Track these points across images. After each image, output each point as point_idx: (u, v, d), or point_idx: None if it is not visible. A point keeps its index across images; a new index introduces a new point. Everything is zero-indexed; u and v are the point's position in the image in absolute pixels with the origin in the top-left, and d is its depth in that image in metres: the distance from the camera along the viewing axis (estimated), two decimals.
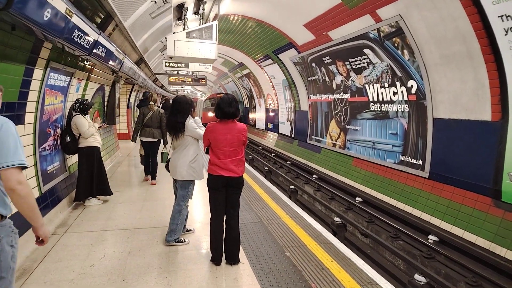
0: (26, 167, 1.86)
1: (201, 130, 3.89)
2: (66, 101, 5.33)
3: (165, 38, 9.97)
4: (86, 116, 5.27)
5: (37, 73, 4.00)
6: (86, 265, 3.40)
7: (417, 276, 4.77)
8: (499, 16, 4.67)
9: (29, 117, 3.99)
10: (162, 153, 5.63)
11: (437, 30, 5.77)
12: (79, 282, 3.08)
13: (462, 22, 5.21)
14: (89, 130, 5.16)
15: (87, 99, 5.42)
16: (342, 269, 3.48)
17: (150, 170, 6.80)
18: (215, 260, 3.49)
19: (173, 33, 6.53)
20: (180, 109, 3.91)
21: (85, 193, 5.27)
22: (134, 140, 7.10)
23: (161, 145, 6.88)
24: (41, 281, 3.08)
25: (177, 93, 28.58)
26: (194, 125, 3.92)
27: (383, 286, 3.17)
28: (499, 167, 5.24)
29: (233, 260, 3.49)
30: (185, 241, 4.02)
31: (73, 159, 5.73)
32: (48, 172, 4.65)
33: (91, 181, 5.29)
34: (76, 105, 5.22)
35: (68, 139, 5.11)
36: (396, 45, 6.99)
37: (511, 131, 5.05)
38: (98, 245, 3.87)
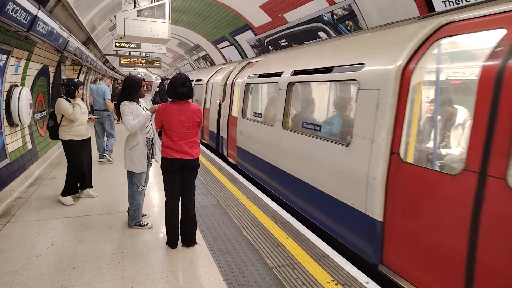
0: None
1: (129, 117, 3.52)
2: (4, 82, 4.89)
3: (115, 16, 9.41)
4: (77, 99, 4.68)
5: None
6: (32, 255, 3.22)
7: None
8: (442, 2, 4.92)
9: None
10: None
11: (389, 14, 5.96)
12: (24, 273, 2.91)
13: (410, 7, 5.42)
14: (74, 112, 4.51)
15: (72, 79, 4.88)
16: (297, 245, 3.59)
17: None
18: (171, 243, 3.46)
19: (123, 11, 6.20)
20: (124, 88, 3.67)
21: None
22: None
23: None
24: None
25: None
26: (126, 110, 3.56)
27: (335, 259, 3.32)
28: None
29: (190, 242, 3.48)
30: (147, 224, 3.93)
31: (14, 144, 5.33)
32: None
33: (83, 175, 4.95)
34: (62, 87, 4.71)
35: (52, 123, 4.64)
36: (349, 28, 7.14)
37: None
38: (46, 234, 3.67)
